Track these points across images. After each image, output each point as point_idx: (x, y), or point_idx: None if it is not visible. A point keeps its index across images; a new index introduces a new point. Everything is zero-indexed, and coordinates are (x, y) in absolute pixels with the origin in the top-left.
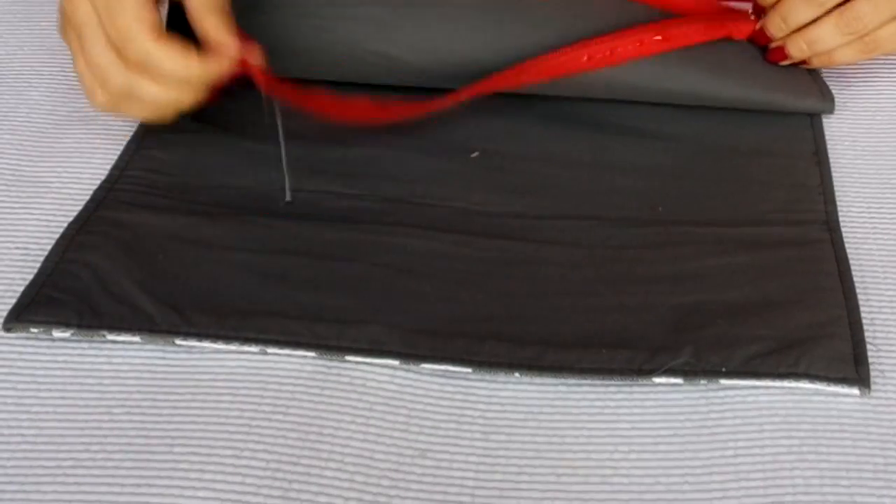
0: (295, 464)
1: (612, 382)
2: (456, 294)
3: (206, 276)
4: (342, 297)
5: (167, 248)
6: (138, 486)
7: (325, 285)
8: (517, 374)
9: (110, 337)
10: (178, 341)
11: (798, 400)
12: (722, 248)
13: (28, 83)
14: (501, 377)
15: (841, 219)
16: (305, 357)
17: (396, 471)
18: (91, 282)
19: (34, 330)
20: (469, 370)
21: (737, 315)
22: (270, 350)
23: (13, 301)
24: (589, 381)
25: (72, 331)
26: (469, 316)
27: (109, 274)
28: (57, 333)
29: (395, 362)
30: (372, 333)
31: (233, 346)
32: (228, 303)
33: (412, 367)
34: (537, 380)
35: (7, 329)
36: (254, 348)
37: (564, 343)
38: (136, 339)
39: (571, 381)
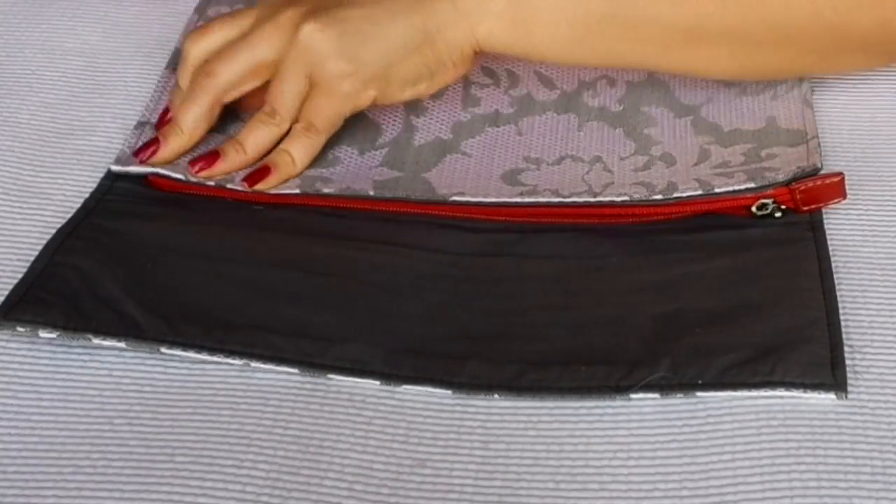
0: (295, 474)
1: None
2: (440, 314)
3: (194, 285)
4: (327, 314)
5: (156, 256)
6: (138, 492)
7: (311, 301)
8: (496, 396)
9: (95, 341)
10: (163, 349)
11: (796, 404)
12: (705, 254)
13: (29, 86)
14: (481, 399)
15: (825, 217)
16: (290, 374)
17: (396, 480)
18: (79, 285)
19: (21, 329)
20: (449, 392)
21: (714, 322)
22: (254, 364)
23: None
24: None
25: (58, 332)
26: (451, 336)
27: (97, 279)
28: (43, 334)
29: (377, 383)
30: (355, 352)
31: (217, 358)
32: (215, 314)
33: (395, 388)
34: None
35: None
36: (237, 361)
37: (544, 362)
38: (122, 344)
39: None
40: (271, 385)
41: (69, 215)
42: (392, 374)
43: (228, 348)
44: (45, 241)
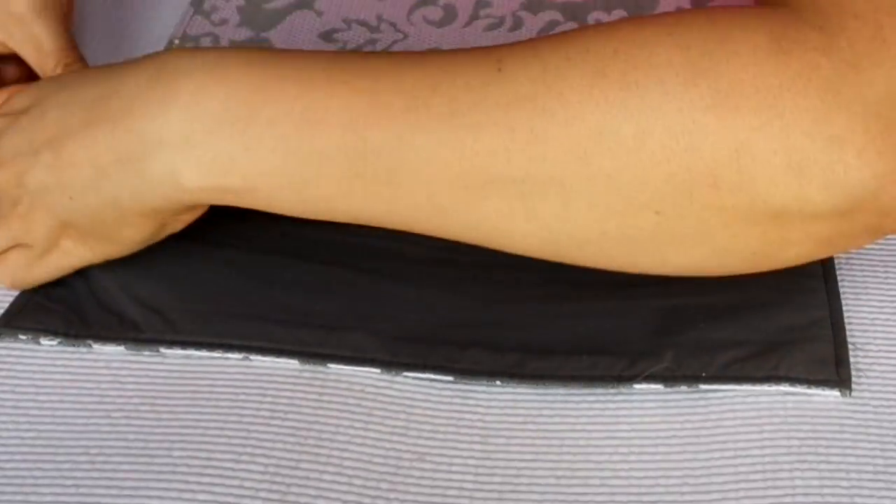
0: (293, 468)
1: (594, 392)
2: (441, 300)
3: (192, 274)
4: (328, 302)
5: (153, 247)
6: (136, 488)
7: (311, 288)
8: (498, 383)
9: (96, 346)
10: (162, 349)
11: (798, 402)
12: None
13: None
14: (483, 385)
15: None
16: (289, 363)
17: (395, 474)
18: (81, 289)
19: (22, 337)
20: (450, 378)
21: (718, 317)
22: (254, 357)
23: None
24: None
25: (59, 339)
26: (452, 322)
27: (98, 279)
28: (45, 342)
29: (377, 371)
30: (355, 341)
31: (216, 354)
32: (213, 305)
33: (395, 376)
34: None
35: None
36: (237, 355)
37: (546, 350)
38: (121, 348)
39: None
40: (269, 374)
41: None
42: (392, 361)
43: (227, 342)
44: None
